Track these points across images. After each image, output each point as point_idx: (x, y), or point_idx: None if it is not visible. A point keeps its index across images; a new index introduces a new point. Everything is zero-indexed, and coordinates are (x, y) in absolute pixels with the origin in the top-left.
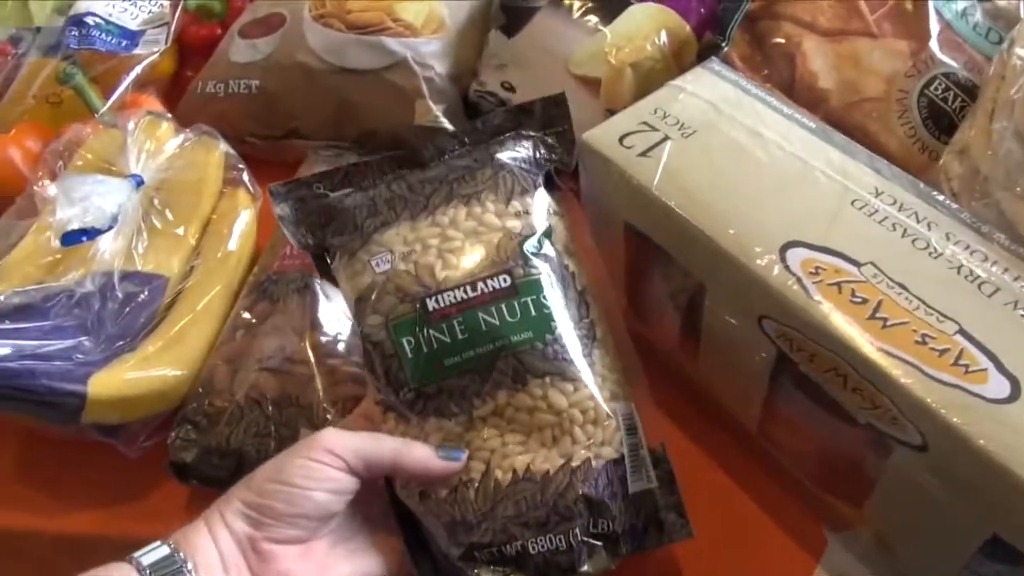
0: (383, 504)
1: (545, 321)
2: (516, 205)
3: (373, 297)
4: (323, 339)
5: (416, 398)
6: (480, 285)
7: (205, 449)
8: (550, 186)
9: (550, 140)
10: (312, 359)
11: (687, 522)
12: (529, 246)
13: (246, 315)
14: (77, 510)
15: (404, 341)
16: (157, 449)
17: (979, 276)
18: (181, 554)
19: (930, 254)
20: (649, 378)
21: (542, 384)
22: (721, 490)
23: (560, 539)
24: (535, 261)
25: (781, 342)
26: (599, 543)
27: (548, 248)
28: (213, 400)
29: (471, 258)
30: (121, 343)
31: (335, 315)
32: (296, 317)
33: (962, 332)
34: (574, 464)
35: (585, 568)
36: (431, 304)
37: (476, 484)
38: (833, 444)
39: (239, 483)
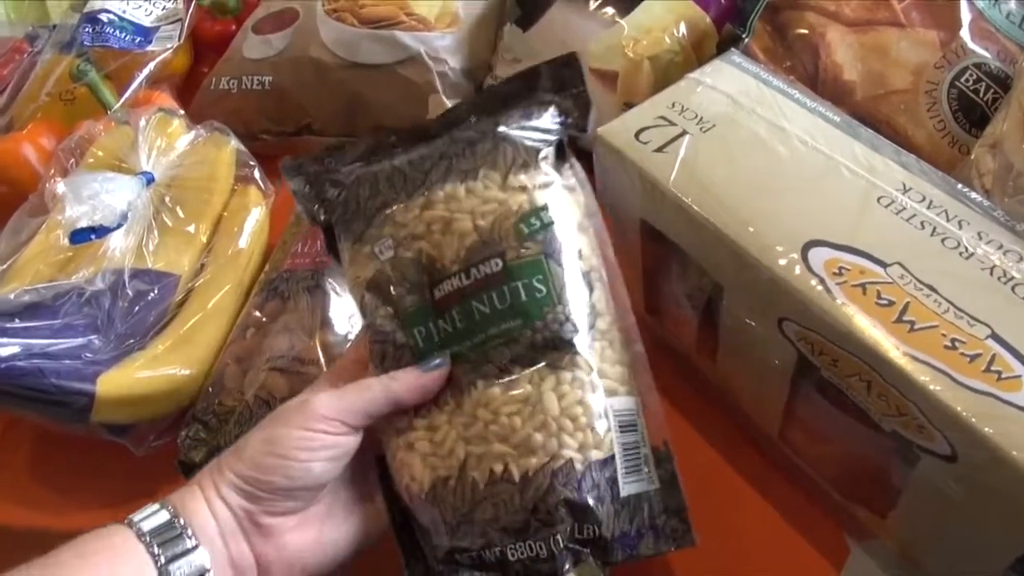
0: (371, 465)
1: (537, 306)
2: (516, 179)
3: (381, 288)
4: (333, 338)
5: None
6: (473, 271)
7: (214, 448)
8: (563, 157)
9: (564, 103)
10: (322, 359)
11: (689, 528)
12: (526, 225)
13: (256, 313)
14: (85, 509)
15: (416, 332)
16: (167, 448)
17: (1013, 277)
18: (181, 520)
19: (961, 254)
20: (666, 379)
21: (531, 378)
22: (741, 495)
23: (541, 546)
24: (530, 241)
25: (802, 345)
26: (586, 549)
27: (549, 225)
28: (223, 399)
29: (468, 240)
30: (131, 341)
31: (345, 314)
32: (306, 316)
33: (994, 336)
34: (555, 466)
35: None
36: (436, 293)
37: (453, 483)
38: (857, 451)
39: (228, 452)
